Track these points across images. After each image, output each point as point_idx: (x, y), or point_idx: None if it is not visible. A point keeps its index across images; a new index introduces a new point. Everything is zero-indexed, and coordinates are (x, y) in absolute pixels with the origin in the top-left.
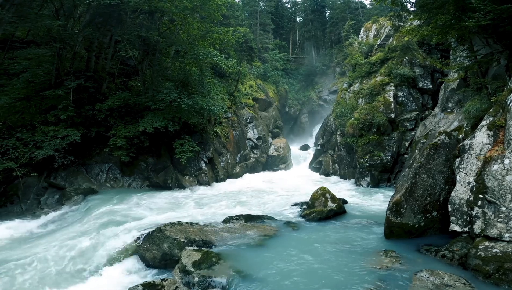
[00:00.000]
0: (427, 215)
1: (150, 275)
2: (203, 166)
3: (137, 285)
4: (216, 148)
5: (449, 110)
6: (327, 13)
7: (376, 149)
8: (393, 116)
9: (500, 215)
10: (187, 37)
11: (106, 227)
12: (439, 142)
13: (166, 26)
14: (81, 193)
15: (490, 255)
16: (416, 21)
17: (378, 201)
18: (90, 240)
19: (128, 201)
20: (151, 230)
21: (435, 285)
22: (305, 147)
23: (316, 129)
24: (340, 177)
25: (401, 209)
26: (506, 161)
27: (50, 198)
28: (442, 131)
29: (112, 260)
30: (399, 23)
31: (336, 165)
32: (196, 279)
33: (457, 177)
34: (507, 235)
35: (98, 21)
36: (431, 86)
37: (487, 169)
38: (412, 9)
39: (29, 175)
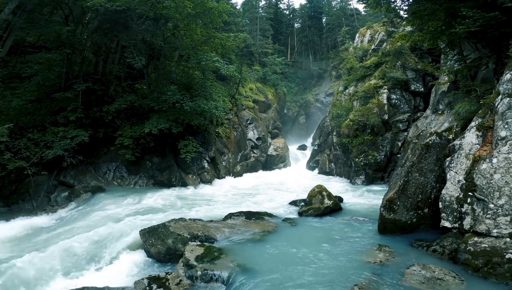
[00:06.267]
0: (419, 211)
1: (155, 269)
2: (206, 165)
3: (142, 278)
4: (218, 148)
5: (440, 112)
6: (324, 20)
7: (370, 149)
8: (386, 118)
9: (488, 212)
10: (190, 42)
11: (113, 223)
12: (430, 142)
13: (170, 31)
14: (89, 190)
15: (479, 249)
16: (408, 27)
17: (372, 198)
18: (98, 236)
19: (134, 198)
20: (156, 226)
21: (427, 279)
22: (302, 147)
23: (313, 130)
24: (336, 176)
25: (394, 206)
26: (494, 160)
27: (60, 196)
28: (433, 132)
29: (118, 255)
30: (392, 29)
31: (332, 164)
32: (199, 272)
33: (448, 175)
34: (495, 230)
35: (105, 27)
36: (422, 89)
37: (476, 168)
38: (405, 15)
39: (39, 173)
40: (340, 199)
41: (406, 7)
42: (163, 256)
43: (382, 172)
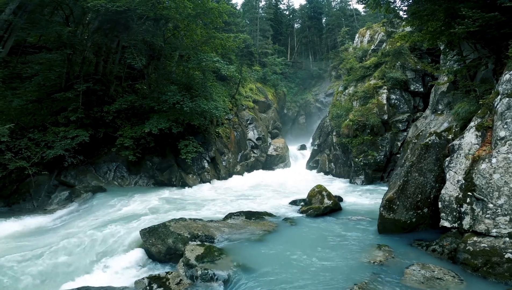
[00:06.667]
0: (419, 211)
1: (156, 269)
2: (206, 165)
3: (143, 278)
4: (218, 148)
5: (439, 112)
6: (323, 20)
7: (370, 148)
8: (386, 118)
9: (487, 212)
10: (191, 42)
11: (113, 223)
12: (430, 142)
13: (170, 32)
14: (90, 190)
15: (478, 249)
16: (408, 27)
17: (372, 198)
18: (98, 235)
19: (134, 198)
20: (157, 225)
21: (426, 278)
22: (302, 147)
23: (313, 130)
24: (336, 176)
25: (393, 206)
26: (494, 160)
27: (61, 196)
28: (432, 132)
29: (119, 254)
30: (392, 29)
31: (332, 164)
32: (199, 272)
33: (447, 175)
34: (494, 230)
35: (106, 28)
36: (422, 89)
37: (475, 168)
38: (405, 16)
39: (40, 173)
40: (339, 199)
41: (406, 8)
42: (164, 255)
43: (381, 172)
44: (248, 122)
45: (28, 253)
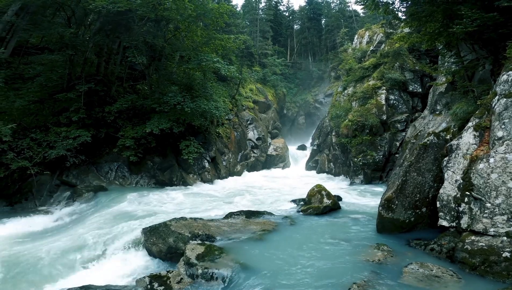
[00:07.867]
0: (417, 211)
1: (156, 268)
2: (206, 165)
3: (144, 277)
4: (218, 148)
5: (437, 112)
6: (323, 21)
7: (369, 148)
8: (385, 118)
9: (485, 211)
10: (191, 43)
11: (114, 222)
12: (428, 142)
13: (171, 33)
14: (91, 190)
15: (476, 248)
16: (406, 28)
17: (371, 197)
18: (99, 234)
19: (135, 198)
20: (158, 225)
21: (425, 277)
22: (302, 147)
23: (313, 130)
24: (335, 175)
25: (392, 205)
26: (491, 160)
27: (62, 195)
28: (431, 132)
29: (120, 253)
30: (390, 30)
31: (331, 164)
32: (200, 271)
33: (445, 175)
34: (492, 229)
35: (107, 29)
36: (420, 90)
37: (473, 168)
38: (403, 17)
39: (42, 173)
40: (339, 199)
41: (404, 9)
42: (164, 254)
43: (380, 171)
44: (248, 122)
45: (29, 252)
